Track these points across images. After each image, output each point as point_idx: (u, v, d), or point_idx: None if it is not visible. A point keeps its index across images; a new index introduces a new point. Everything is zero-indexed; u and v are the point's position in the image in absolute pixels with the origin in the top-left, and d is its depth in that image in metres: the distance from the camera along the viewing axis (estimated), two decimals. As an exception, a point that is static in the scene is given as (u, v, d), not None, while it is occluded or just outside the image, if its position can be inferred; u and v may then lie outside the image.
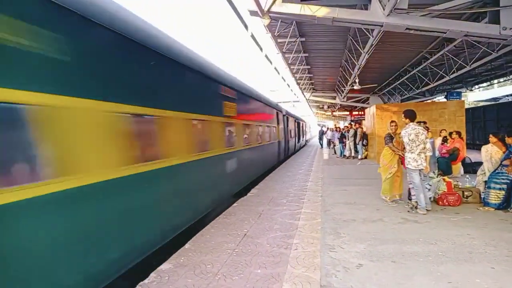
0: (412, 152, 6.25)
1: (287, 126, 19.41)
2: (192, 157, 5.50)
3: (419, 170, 6.25)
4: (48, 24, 2.79)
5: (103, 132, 3.36)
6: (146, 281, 3.71)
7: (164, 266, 4.09)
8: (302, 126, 32.06)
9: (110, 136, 3.46)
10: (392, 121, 7.43)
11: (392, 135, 7.19)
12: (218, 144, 6.88)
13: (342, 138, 19.74)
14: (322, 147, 25.63)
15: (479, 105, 30.09)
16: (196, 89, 6.06)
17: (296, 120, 25.44)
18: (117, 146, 3.54)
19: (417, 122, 6.73)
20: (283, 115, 17.92)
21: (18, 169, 2.57)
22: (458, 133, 10.42)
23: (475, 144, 20.56)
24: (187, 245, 4.85)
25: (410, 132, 6.27)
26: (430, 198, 6.65)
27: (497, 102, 25.73)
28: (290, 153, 21.07)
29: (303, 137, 33.12)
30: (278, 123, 15.68)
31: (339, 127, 25.60)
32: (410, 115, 6.47)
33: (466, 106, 17.96)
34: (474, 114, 22.74)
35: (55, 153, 2.81)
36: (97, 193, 3.21)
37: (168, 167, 4.66)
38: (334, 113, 42.36)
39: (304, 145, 34.21)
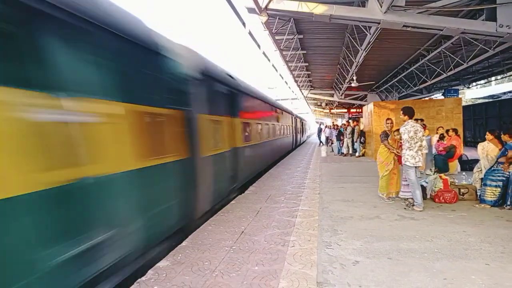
0: (411, 149, 6.27)
1: (296, 125, 27.09)
2: (263, 140, 12.20)
3: (415, 167, 6.29)
4: None
5: None
6: (143, 278, 3.72)
7: (161, 263, 4.11)
8: (305, 125, 41.92)
9: None
10: (388, 119, 7.45)
11: (388, 132, 7.21)
12: (269, 136, 13.67)
13: (339, 136, 19.80)
14: (321, 144, 25.60)
15: (477, 102, 30.14)
16: (266, 112, 13.59)
17: (301, 120, 34.46)
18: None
19: (415, 120, 6.76)
20: (294, 117, 25.32)
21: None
22: (455, 131, 10.46)
23: (476, 142, 20.40)
24: (184, 243, 4.87)
25: (409, 129, 6.28)
26: (424, 196, 6.69)
27: (499, 99, 25.61)
28: (298, 144, 29.35)
29: (305, 133, 43.59)
30: (292, 124, 23.54)
31: (336, 125, 25.65)
32: (409, 112, 6.47)
33: (464, 104, 17.96)
34: (476, 111, 22.71)
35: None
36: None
37: (259, 144, 11.27)
38: (332, 110, 42.31)
39: (305, 140, 42.05)
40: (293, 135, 24.33)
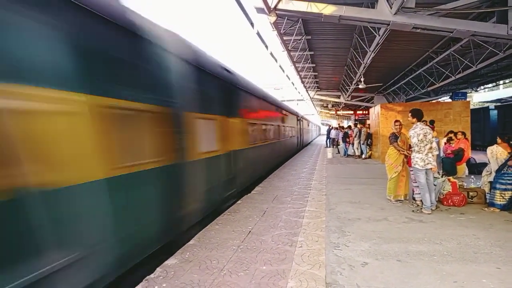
0: (420, 152, 6.22)
1: (302, 126, 27.14)
2: (265, 142, 11.90)
3: (426, 169, 6.24)
4: None
5: None
6: (152, 275, 3.73)
7: (169, 261, 4.12)
8: (311, 126, 42.69)
9: None
10: (396, 121, 7.40)
11: (397, 134, 7.17)
12: (271, 137, 13.38)
13: (345, 138, 19.73)
14: (327, 145, 25.45)
15: (486, 104, 29.78)
16: (269, 112, 13.24)
17: (307, 122, 34.93)
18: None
19: (424, 122, 6.71)
20: (299, 118, 25.14)
21: None
22: (463, 134, 10.38)
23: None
24: (192, 241, 4.87)
25: (418, 132, 6.23)
26: (435, 198, 6.64)
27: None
28: (304, 145, 29.56)
29: (311, 134, 43.97)
30: (297, 125, 23.65)
31: (342, 126, 25.56)
32: (418, 115, 6.42)
33: (472, 107, 17.76)
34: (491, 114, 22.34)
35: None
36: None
37: (260, 146, 10.84)
38: (338, 112, 42.23)
39: (311, 141, 42.01)
40: (298, 137, 23.82)
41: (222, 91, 6.98)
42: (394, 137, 7.14)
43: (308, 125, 37.39)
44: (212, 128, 6.37)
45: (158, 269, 3.90)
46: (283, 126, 16.71)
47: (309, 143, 39.01)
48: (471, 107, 17.67)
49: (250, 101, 9.91)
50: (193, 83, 5.43)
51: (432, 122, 11.19)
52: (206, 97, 6.09)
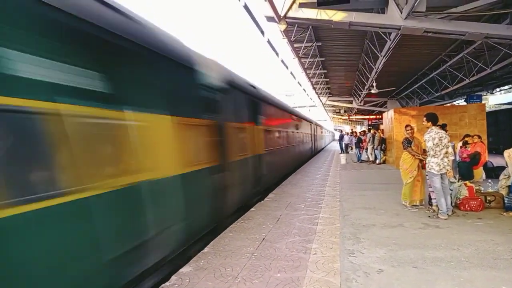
0: (435, 157, 6.13)
1: (315, 132, 28.84)
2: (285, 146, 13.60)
3: (441, 174, 6.15)
4: None
5: None
6: (167, 283, 3.77)
7: (184, 269, 4.15)
8: (324, 132, 45.01)
9: None
10: (407, 125, 7.33)
11: (410, 139, 7.10)
12: (290, 143, 14.90)
13: (359, 143, 19.59)
14: (341, 151, 25.25)
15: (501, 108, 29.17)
16: (288, 120, 14.71)
17: (320, 128, 36.78)
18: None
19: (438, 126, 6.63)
20: (313, 125, 26.99)
21: None
22: (479, 137, 10.20)
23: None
24: (206, 249, 4.91)
25: (434, 136, 6.15)
26: (451, 203, 6.53)
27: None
28: (318, 151, 31.28)
29: (324, 140, 46.41)
30: (311, 131, 25.11)
31: (355, 132, 25.40)
32: (432, 119, 6.33)
33: (487, 110, 17.42)
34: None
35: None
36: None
37: (282, 149, 12.41)
38: (350, 117, 41.93)
39: (324, 147, 43.68)
40: (312, 143, 25.50)
41: (251, 104, 8.55)
42: (407, 142, 7.07)
43: (322, 132, 39.80)
44: (244, 135, 7.92)
45: (173, 277, 3.94)
46: (299, 132, 18.28)
47: (322, 149, 39.87)
48: (487, 109, 17.32)
49: (272, 111, 11.32)
50: (231, 99, 6.95)
51: (443, 126, 11.04)
52: (240, 110, 7.63)
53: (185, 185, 4.52)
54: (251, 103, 8.52)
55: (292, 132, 15.71)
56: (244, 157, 7.66)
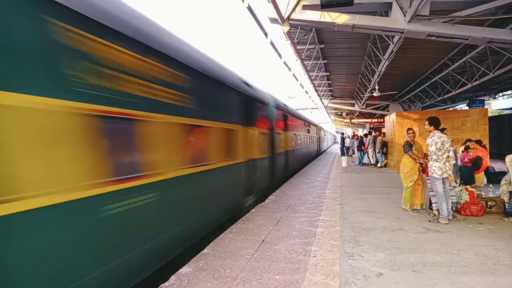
0: (438, 161, 6.11)
1: (320, 135, 31.35)
2: (303, 146, 18.58)
3: (443, 178, 6.13)
4: None
5: None
6: (166, 283, 3.76)
7: (183, 270, 4.15)
8: (327, 135, 48.17)
9: None
10: (409, 129, 7.30)
11: (411, 142, 7.08)
12: (304, 144, 18.72)
13: (360, 146, 19.57)
14: (343, 154, 25.25)
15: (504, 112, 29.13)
16: (302, 125, 18.75)
17: (324, 131, 39.72)
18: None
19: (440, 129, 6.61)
20: (318, 128, 29.34)
21: None
22: (479, 142, 10.16)
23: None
24: (206, 250, 4.90)
25: (436, 140, 6.13)
26: (452, 208, 6.51)
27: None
28: (321, 151, 34.10)
29: (327, 142, 49.82)
30: (316, 134, 27.49)
31: (357, 135, 25.39)
32: (435, 123, 6.31)
33: (490, 114, 17.36)
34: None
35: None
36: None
37: (301, 148, 17.41)
38: (352, 120, 41.94)
39: (327, 149, 45.65)
40: (317, 144, 28.41)
41: (284, 117, 12.54)
42: (408, 146, 7.05)
43: (325, 134, 42.15)
44: (282, 137, 12.06)
45: (172, 277, 3.93)
46: (308, 135, 21.40)
47: (325, 150, 40.98)
48: (489, 114, 17.29)
49: (293, 120, 14.99)
50: (278, 116, 11.35)
51: (442, 130, 11.00)
52: (279, 122, 11.47)
53: (260, 164, 8.67)
54: (284, 116, 12.60)
55: (305, 135, 19.75)
56: (284, 150, 12.39)
